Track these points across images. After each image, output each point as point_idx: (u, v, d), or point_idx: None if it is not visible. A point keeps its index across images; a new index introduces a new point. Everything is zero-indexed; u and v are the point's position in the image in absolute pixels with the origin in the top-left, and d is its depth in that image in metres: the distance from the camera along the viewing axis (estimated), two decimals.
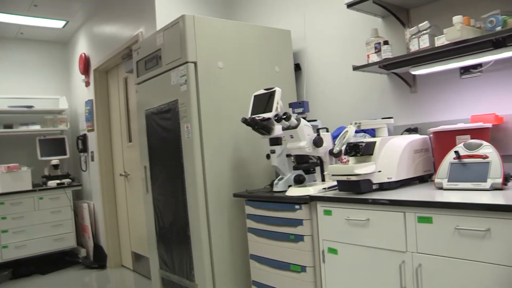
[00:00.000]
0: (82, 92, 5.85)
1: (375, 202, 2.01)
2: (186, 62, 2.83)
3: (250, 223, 2.76)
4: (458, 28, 2.17)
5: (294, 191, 2.44)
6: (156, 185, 3.28)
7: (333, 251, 2.25)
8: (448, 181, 2.07)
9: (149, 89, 3.30)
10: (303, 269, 2.40)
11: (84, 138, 5.79)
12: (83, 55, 5.62)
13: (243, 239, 2.93)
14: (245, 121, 2.62)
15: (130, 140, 4.89)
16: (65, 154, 5.90)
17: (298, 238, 2.41)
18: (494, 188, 1.93)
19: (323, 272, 2.32)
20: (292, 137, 2.43)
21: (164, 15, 3.77)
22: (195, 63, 2.85)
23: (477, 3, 2.45)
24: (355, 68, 2.73)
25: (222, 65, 2.98)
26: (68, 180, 5.77)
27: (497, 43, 2.15)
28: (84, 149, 5.79)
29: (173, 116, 2.98)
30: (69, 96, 6.30)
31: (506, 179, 1.95)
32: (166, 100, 3.05)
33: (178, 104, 2.92)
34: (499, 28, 2.09)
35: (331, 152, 2.42)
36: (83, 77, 5.70)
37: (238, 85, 3.05)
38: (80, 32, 5.87)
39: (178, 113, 2.92)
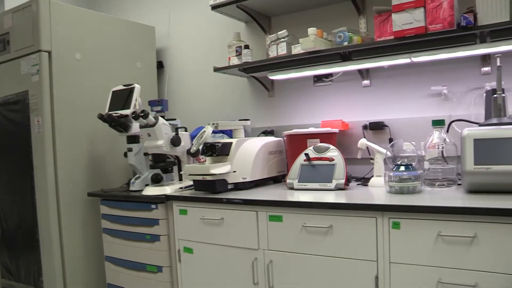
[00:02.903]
0: None
1: (229, 201, 2.05)
2: (39, 51, 2.63)
3: (105, 224, 2.65)
4: (312, 39, 2.31)
5: (151, 191, 2.40)
6: (0, 184, 2.99)
7: (188, 250, 2.26)
8: (299, 182, 2.19)
9: None
10: (159, 269, 2.37)
11: None
12: None
13: (98, 240, 2.80)
14: (101, 117, 2.51)
15: None
16: None
17: (154, 238, 2.37)
18: (338, 188, 2.10)
19: (179, 271, 2.31)
20: (149, 136, 2.38)
21: None
22: (49, 52, 2.66)
23: (330, 18, 2.66)
24: (216, 69, 2.77)
25: (80, 57, 2.82)
26: None
27: (345, 56, 2.36)
28: None
29: (22, 108, 2.74)
30: None
31: (348, 180, 2.13)
32: (14, 90, 2.80)
33: (29, 95, 2.70)
34: (346, 43, 2.29)
35: (188, 152, 2.42)
36: None
37: (96, 79, 2.91)
38: None
39: (28, 105, 2.70)
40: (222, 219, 2.11)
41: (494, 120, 1.87)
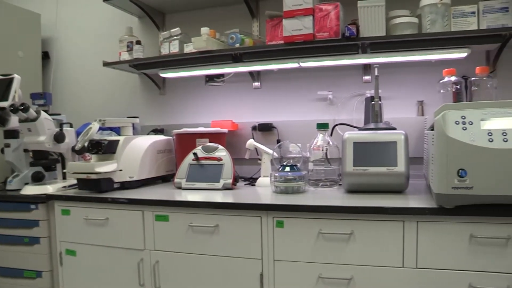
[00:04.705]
0: None
1: (115, 201, 1.99)
2: None
3: None
4: (204, 39, 2.32)
5: (31, 190, 2.25)
6: None
7: (71, 252, 2.15)
8: (187, 181, 2.19)
9: None
10: (38, 274, 2.23)
11: None
12: None
13: None
14: None
15: None
16: None
17: (34, 240, 2.23)
18: (225, 187, 2.13)
19: (61, 275, 2.19)
20: (30, 131, 2.23)
21: None
22: None
23: (224, 19, 2.69)
24: (105, 64, 2.68)
25: None
26: None
27: (236, 58, 2.39)
28: None
29: None
30: None
31: (236, 179, 2.17)
32: None
33: None
34: (238, 45, 2.33)
35: (73, 149, 2.31)
36: None
37: None
38: None
39: None
40: (107, 219, 2.04)
41: (372, 125, 2.01)
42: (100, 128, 2.29)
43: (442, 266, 1.57)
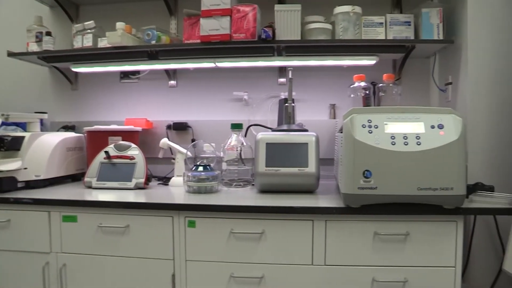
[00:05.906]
0: None
1: (18, 201, 1.88)
2: None
3: None
4: (119, 34, 2.27)
5: None
6: None
7: None
8: (97, 180, 2.12)
9: None
10: None
11: None
12: None
13: None
14: None
15: None
16: None
17: None
18: (137, 187, 2.10)
19: None
20: None
21: None
22: None
23: (141, 15, 2.64)
24: (10, 54, 2.51)
25: None
26: None
27: (152, 55, 2.35)
28: None
29: None
30: None
31: (148, 179, 2.14)
32: None
33: None
34: (154, 42, 2.29)
35: None
36: None
37: None
38: None
39: None
40: (9, 221, 1.91)
41: (285, 127, 2.06)
42: (3, 123, 2.16)
43: (349, 262, 1.65)
